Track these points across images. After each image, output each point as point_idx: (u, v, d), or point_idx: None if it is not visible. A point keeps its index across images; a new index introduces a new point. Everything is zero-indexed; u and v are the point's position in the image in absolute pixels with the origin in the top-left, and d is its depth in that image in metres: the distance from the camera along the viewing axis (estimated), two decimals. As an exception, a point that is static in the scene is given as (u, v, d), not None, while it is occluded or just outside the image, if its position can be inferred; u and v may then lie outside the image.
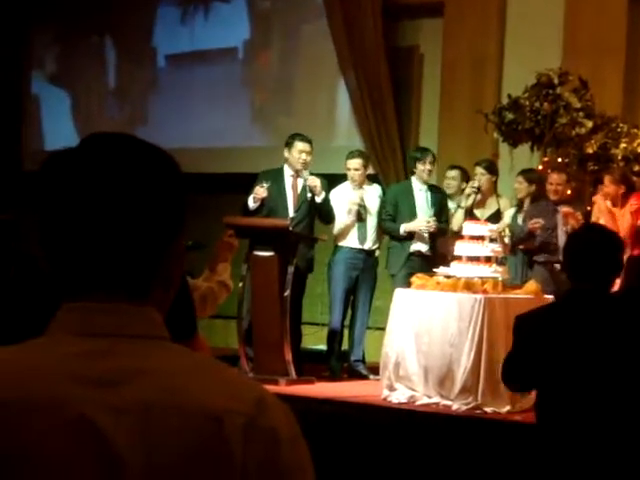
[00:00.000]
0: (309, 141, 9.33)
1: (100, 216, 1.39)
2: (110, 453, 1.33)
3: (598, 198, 8.70)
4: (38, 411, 1.32)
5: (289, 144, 9.36)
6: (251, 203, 9.21)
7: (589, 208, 8.92)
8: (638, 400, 3.86)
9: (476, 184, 9.42)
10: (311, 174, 9.27)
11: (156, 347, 1.41)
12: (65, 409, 1.33)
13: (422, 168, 9.49)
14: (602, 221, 8.53)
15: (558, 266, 8.91)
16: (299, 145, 9.29)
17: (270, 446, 1.38)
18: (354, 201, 9.47)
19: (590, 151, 9.40)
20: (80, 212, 1.39)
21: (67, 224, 1.40)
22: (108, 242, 1.39)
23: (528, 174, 9.37)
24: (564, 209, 8.83)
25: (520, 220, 9.30)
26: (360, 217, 9.50)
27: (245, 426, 1.37)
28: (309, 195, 9.25)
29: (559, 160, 9.55)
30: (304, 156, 9.27)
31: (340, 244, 9.55)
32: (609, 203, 8.61)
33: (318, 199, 9.20)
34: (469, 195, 9.43)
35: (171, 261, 1.43)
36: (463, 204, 9.45)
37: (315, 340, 10.60)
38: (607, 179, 8.68)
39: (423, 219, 9.39)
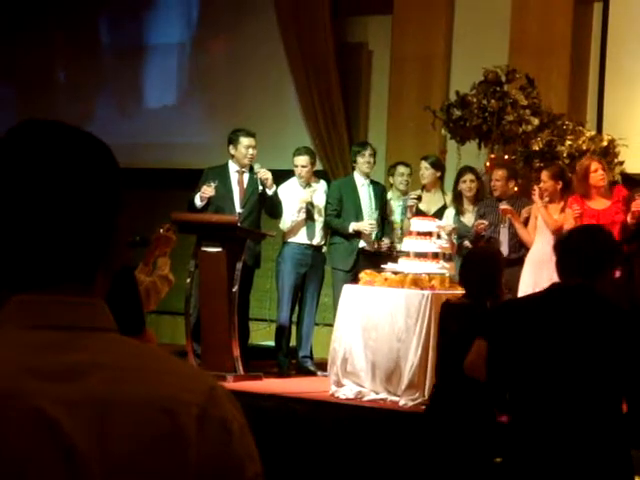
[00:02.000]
0: (253, 135, 9.33)
1: (39, 205, 1.38)
2: (66, 446, 1.32)
3: (535, 195, 8.75)
4: None
5: (233, 140, 9.34)
6: (198, 201, 9.18)
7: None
8: (615, 399, 3.77)
9: (416, 194, 9.46)
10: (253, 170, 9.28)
11: (109, 340, 1.41)
12: (20, 402, 1.32)
13: (362, 160, 9.55)
14: (539, 218, 8.61)
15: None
16: (244, 140, 9.28)
17: (222, 437, 1.40)
18: (304, 199, 9.47)
19: (536, 148, 9.48)
20: (19, 203, 1.37)
21: (6, 216, 1.38)
22: (51, 232, 1.38)
23: (475, 171, 9.39)
24: (502, 206, 8.90)
25: (464, 219, 9.31)
26: (310, 215, 9.51)
27: (198, 417, 1.38)
28: (260, 188, 9.24)
29: (505, 157, 9.62)
30: (251, 151, 9.27)
31: (288, 240, 9.55)
32: (546, 199, 8.66)
33: (269, 192, 9.20)
34: (411, 206, 9.41)
35: (113, 247, 1.43)
36: (408, 214, 9.37)
37: (263, 336, 10.60)
38: (544, 175, 8.74)
39: (367, 221, 9.40)
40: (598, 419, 3.77)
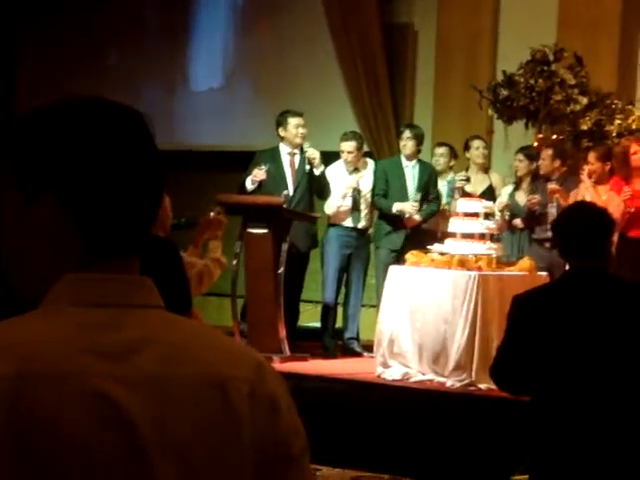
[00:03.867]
0: (301, 114, 9.32)
1: (110, 179, 1.37)
2: (126, 423, 1.32)
3: (583, 175, 8.68)
4: (50, 384, 1.31)
5: (282, 122, 9.33)
6: (249, 185, 9.18)
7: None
8: None
9: (465, 175, 9.42)
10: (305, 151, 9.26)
11: (158, 317, 1.41)
12: (78, 381, 1.32)
13: (401, 144, 9.54)
14: (588, 198, 8.53)
15: (548, 244, 8.94)
16: (293, 120, 9.28)
17: (271, 412, 1.41)
18: (350, 185, 9.43)
19: (585, 128, 9.38)
20: (87, 176, 1.37)
21: (73, 189, 1.37)
22: (114, 207, 1.38)
23: (528, 151, 9.35)
24: (550, 186, 8.84)
25: (518, 198, 9.29)
26: (355, 201, 9.46)
27: (249, 394, 1.39)
28: (307, 167, 9.23)
29: (554, 137, 9.53)
30: (301, 130, 9.27)
31: (333, 222, 9.54)
32: (593, 180, 8.58)
33: (317, 171, 9.19)
34: (459, 187, 9.36)
35: (153, 224, 1.44)
36: (455, 195, 9.32)
37: (310, 318, 10.60)
38: (592, 156, 8.66)
39: (410, 202, 9.35)
40: (629, 405, 3.72)
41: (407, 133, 9.55)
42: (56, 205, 1.37)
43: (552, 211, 8.96)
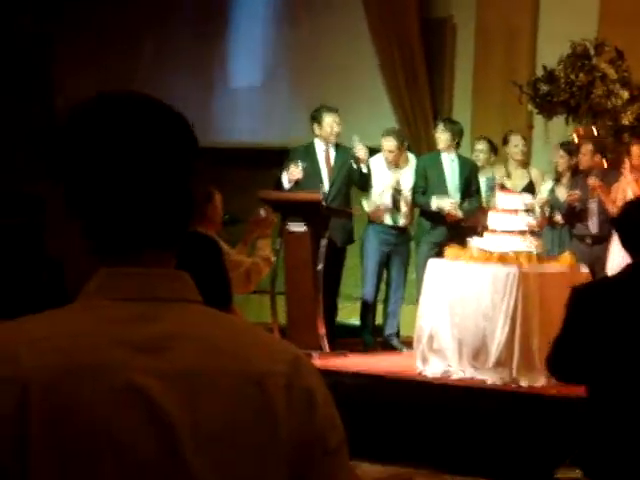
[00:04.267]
0: (336, 110, 9.27)
1: (134, 172, 1.39)
2: (160, 417, 1.33)
3: (625, 169, 8.59)
4: (86, 377, 1.31)
5: (317, 118, 9.29)
6: (286, 183, 9.16)
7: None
8: None
9: (505, 172, 9.38)
10: (343, 151, 9.22)
11: (195, 311, 1.41)
12: (113, 375, 1.32)
13: (437, 136, 9.47)
14: (629, 193, 8.44)
15: (589, 240, 8.87)
16: (327, 117, 9.23)
17: (308, 406, 1.41)
18: (389, 185, 9.40)
19: (626, 122, 9.31)
20: (113, 169, 1.39)
21: (96, 182, 1.39)
22: (142, 197, 1.39)
23: (568, 146, 9.28)
24: (590, 181, 8.76)
25: (558, 193, 9.22)
26: (395, 201, 9.42)
27: (286, 387, 1.39)
28: (351, 162, 9.16)
29: (595, 132, 9.45)
30: (336, 127, 9.23)
31: (373, 220, 9.50)
32: (633, 175, 8.50)
33: (364, 168, 9.15)
34: (500, 184, 9.31)
35: (190, 219, 1.45)
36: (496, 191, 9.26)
37: (350, 314, 10.58)
38: (635, 149, 8.56)
39: (449, 199, 9.28)
40: None
41: (441, 126, 9.50)
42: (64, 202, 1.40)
43: (593, 207, 8.89)
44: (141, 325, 1.36)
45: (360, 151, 9.10)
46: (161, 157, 1.40)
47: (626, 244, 3.99)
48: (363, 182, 9.27)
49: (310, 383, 1.42)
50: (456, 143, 9.46)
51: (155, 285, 1.39)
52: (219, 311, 1.45)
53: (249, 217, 6.47)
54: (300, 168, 9.08)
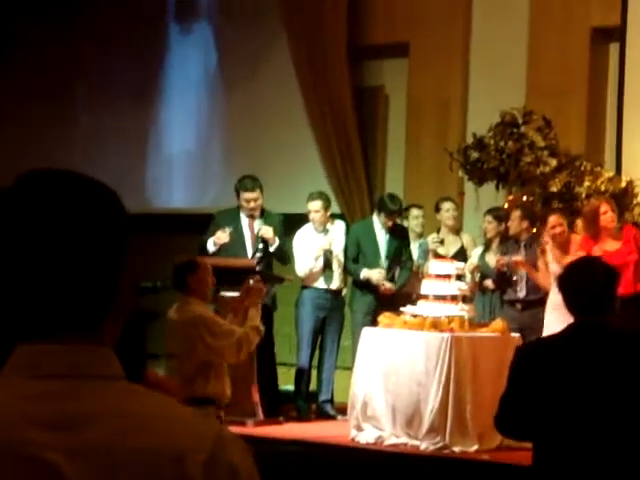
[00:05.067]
0: (252, 189, 9.21)
1: (46, 257, 1.38)
2: None
3: (546, 237, 8.70)
4: None
5: (236, 190, 9.32)
6: (211, 247, 9.14)
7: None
8: None
9: (439, 237, 9.50)
10: (268, 218, 9.23)
11: (113, 388, 1.40)
12: (19, 450, 1.31)
13: (384, 220, 9.47)
14: (551, 260, 8.56)
15: (520, 305, 8.97)
16: (243, 195, 9.23)
17: None
18: (323, 247, 9.44)
19: (555, 189, 9.46)
20: (25, 254, 1.38)
21: (12, 267, 1.39)
22: (56, 282, 1.38)
23: (496, 212, 9.41)
24: (514, 258, 8.86)
25: (488, 259, 9.33)
26: (328, 263, 9.47)
27: (205, 462, 1.37)
28: (261, 245, 9.19)
29: (524, 198, 9.60)
30: (252, 204, 9.21)
31: (307, 285, 9.52)
32: (549, 245, 8.63)
33: (271, 248, 9.19)
34: (433, 249, 9.45)
35: (120, 294, 1.43)
36: (430, 257, 9.37)
37: (284, 380, 10.54)
38: (551, 219, 8.67)
39: (377, 269, 9.34)
40: (631, 459, 3.76)
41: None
42: None
43: (522, 273, 9.00)
44: (52, 402, 1.35)
45: (266, 232, 9.14)
46: (79, 237, 1.39)
47: (570, 305, 4.05)
48: (279, 257, 9.30)
49: (233, 458, 1.39)
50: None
51: (74, 362, 1.38)
52: (138, 386, 1.43)
53: (169, 283, 6.49)
54: (227, 233, 9.07)
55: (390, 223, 9.49)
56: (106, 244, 1.41)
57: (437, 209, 9.91)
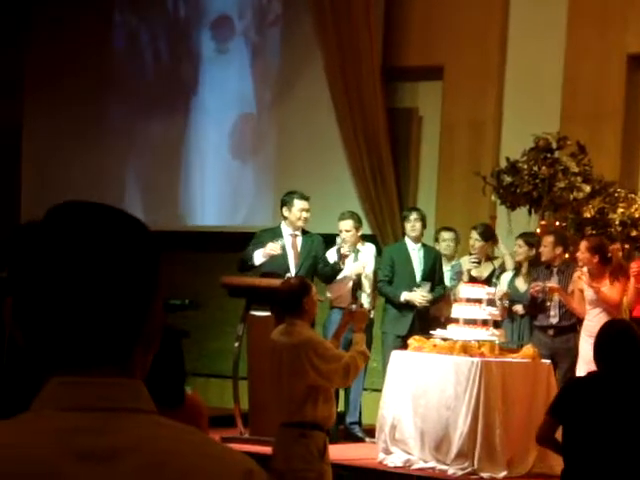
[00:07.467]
0: (307, 198, 9.31)
1: (78, 289, 1.38)
2: None
3: (578, 269, 8.70)
4: None
5: (287, 202, 9.31)
6: (259, 258, 9.07)
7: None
8: None
9: (477, 258, 9.44)
10: (310, 238, 9.27)
11: (145, 421, 1.40)
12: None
13: (408, 226, 9.58)
14: (582, 286, 8.55)
15: (552, 331, 8.92)
16: (298, 203, 9.26)
17: None
18: (356, 271, 9.44)
19: (588, 215, 9.42)
20: (57, 287, 1.39)
21: (44, 300, 1.39)
22: (89, 316, 1.39)
23: (528, 237, 9.38)
24: (549, 284, 8.83)
25: (518, 283, 9.28)
26: (358, 284, 9.47)
27: None
28: (316, 251, 9.21)
29: (557, 224, 9.57)
30: (305, 214, 9.25)
31: (335, 305, 9.51)
32: (585, 269, 8.60)
33: (342, 266, 9.24)
34: (469, 270, 9.44)
35: (150, 325, 1.43)
36: (464, 278, 9.38)
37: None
38: (582, 245, 8.66)
39: (420, 292, 9.35)
40: None
41: (415, 215, 9.60)
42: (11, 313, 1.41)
43: (555, 299, 8.96)
44: (87, 436, 1.35)
45: (346, 249, 9.18)
46: (111, 270, 1.39)
47: (597, 359, 4.82)
48: (332, 276, 9.30)
49: None
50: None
51: (106, 395, 1.39)
52: (169, 420, 1.43)
53: (207, 301, 6.50)
54: (279, 245, 9.03)
55: (411, 226, 9.48)
56: (138, 276, 1.41)
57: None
